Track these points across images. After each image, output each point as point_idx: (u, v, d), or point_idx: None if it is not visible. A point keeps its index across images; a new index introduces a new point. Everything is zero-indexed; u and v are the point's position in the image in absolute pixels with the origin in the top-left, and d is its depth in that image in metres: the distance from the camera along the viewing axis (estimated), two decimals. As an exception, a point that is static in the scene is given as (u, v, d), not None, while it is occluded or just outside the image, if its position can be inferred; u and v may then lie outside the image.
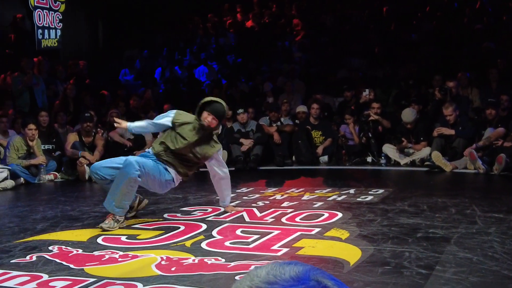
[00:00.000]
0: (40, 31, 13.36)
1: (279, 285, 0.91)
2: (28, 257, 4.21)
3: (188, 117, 5.37)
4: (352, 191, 6.81)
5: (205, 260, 4.01)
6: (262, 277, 0.94)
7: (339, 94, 11.66)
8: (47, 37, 13.53)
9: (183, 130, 5.26)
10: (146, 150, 5.74)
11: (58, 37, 13.76)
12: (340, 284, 0.95)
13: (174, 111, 5.49)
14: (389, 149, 9.48)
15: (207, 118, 5.17)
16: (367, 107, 10.03)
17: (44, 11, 13.47)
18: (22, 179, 8.54)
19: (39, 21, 13.34)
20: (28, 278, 3.72)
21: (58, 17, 13.81)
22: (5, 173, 8.16)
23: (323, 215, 5.40)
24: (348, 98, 11.02)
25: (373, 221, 5.11)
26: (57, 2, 13.78)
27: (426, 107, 10.31)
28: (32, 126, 8.72)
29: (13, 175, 8.32)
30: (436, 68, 11.36)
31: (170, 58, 15.57)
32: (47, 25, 13.55)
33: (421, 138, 9.35)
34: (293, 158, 10.14)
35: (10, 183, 8.17)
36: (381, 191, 6.73)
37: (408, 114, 9.36)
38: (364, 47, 13.45)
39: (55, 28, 13.73)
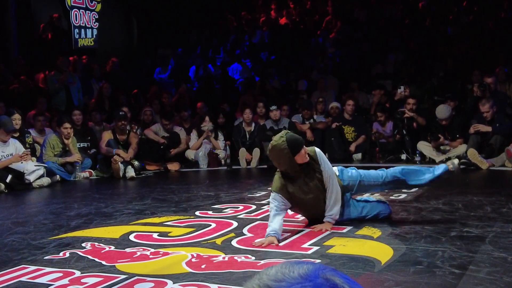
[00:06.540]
0: (76, 30, 13.52)
1: (286, 282, 0.92)
2: (61, 254, 4.27)
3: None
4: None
5: (235, 258, 4.01)
6: (271, 275, 0.94)
7: (373, 90, 11.53)
8: (84, 37, 13.68)
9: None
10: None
11: (94, 36, 13.90)
12: (350, 281, 0.93)
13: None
14: (424, 146, 9.31)
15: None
16: (402, 104, 9.89)
17: (81, 10, 13.61)
18: (58, 176, 8.66)
19: (76, 20, 13.50)
20: (61, 274, 3.77)
21: (94, 17, 13.96)
22: (42, 171, 8.28)
23: (355, 213, 5.34)
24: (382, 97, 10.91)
25: (406, 219, 5.05)
26: (93, 2, 13.91)
27: (463, 103, 10.11)
28: (67, 124, 8.85)
29: (49, 173, 8.44)
30: (473, 63, 11.15)
31: (204, 56, 15.62)
32: (84, 25, 13.69)
33: (457, 135, 9.16)
34: (326, 155, 10.05)
35: (46, 180, 8.29)
36: (415, 189, 6.61)
37: (442, 111, 9.17)
38: (399, 42, 13.28)
39: (92, 28, 13.87)
